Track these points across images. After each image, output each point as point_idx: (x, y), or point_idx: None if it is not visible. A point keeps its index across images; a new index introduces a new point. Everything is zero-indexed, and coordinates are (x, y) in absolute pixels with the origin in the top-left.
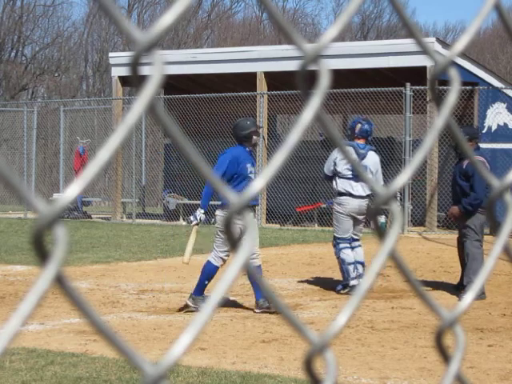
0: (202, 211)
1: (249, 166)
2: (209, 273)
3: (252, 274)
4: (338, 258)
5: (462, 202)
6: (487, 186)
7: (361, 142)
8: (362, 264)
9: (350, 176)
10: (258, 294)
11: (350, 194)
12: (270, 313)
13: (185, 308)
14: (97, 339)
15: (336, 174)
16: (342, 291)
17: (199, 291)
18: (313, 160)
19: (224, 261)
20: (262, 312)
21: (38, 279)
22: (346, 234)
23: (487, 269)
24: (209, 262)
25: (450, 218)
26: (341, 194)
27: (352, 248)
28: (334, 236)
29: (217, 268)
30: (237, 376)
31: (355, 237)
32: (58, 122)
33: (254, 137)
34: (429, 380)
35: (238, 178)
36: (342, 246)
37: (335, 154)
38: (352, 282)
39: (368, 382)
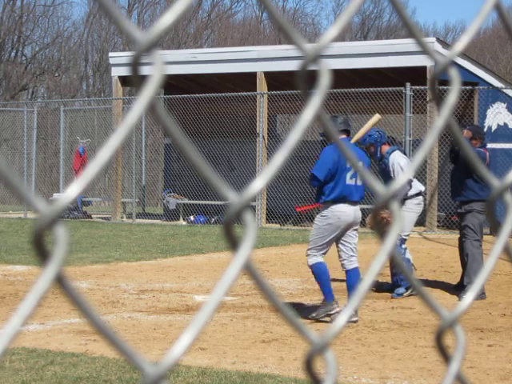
0: None
1: None
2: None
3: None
4: (403, 257)
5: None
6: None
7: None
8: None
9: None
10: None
11: None
12: None
13: None
14: (97, 339)
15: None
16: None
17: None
18: (313, 160)
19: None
20: None
21: (38, 279)
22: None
23: (487, 269)
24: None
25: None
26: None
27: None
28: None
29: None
30: (237, 376)
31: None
32: (58, 122)
33: None
34: (429, 380)
35: None
36: (404, 246)
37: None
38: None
39: (368, 381)
